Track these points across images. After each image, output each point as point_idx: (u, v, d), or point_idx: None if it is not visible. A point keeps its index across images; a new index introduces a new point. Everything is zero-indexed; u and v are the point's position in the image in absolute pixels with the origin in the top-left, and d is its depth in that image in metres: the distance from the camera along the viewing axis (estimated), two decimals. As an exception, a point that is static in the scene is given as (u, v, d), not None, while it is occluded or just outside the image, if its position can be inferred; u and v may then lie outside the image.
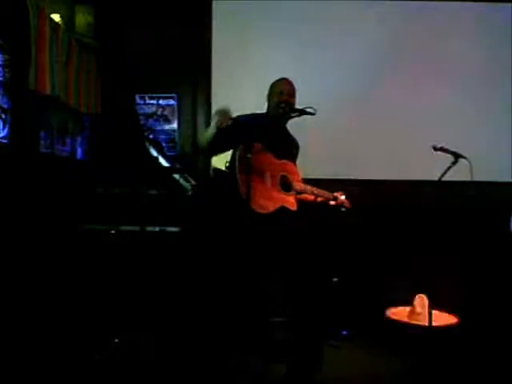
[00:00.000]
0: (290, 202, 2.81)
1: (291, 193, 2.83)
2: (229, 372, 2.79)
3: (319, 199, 3.05)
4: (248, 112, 2.96)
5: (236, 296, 2.78)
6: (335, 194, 3.11)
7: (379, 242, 4.07)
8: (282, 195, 2.78)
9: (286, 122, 2.98)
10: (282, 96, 2.90)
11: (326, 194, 3.07)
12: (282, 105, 2.88)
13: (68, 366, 2.82)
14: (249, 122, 2.83)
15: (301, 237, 2.80)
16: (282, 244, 2.72)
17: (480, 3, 4.40)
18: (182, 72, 4.52)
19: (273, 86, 3.00)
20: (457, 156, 2.92)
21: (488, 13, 4.38)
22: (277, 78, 3.03)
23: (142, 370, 2.88)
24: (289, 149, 3.02)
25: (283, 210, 2.75)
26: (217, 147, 2.81)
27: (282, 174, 2.84)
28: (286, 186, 2.83)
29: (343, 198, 3.13)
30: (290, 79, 3.01)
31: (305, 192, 2.95)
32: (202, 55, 4.50)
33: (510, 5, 4.40)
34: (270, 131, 2.88)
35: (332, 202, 3.07)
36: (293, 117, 2.87)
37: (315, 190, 3.00)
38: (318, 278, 2.76)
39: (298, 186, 2.89)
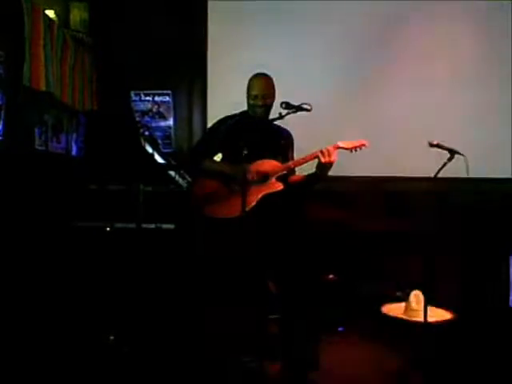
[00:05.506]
0: (272, 187, 2.87)
1: (270, 180, 2.89)
2: (224, 370, 2.79)
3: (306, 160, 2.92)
4: (242, 109, 3.00)
5: (231, 293, 2.79)
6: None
7: (375, 238, 4.06)
8: (261, 188, 2.86)
9: (273, 120, 2.84)
10: (257, 101, 2.89)
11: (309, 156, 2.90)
12: (260, 110, 2.89)
13: (63, 363, 2.81)
14: (230, 125, 2.93)
15: (292, 233, 2.86)
16: (272, 240, 2.78)
17: (480, 1, 4.41)
18: (178, 69, 4.51)
19: (248, 83, 2.97)
20: (453, 152, 2.91)
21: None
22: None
23: (136, 368, 2.87)
24: (275, 142, 3.00)
25: (266, 196, 2.84)
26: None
27: (257, 171, 2.88)
28: (264, 178, 2.89)
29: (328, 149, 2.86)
30: (266, 72, 2.97)
31: (294, 165, 2.96)
32: (197, 52, 4.50)
33: (509, 3, 4.41)
34: (250, 130, 2.89)
35: (323, 158, 2.83)
36: (289, 113, 2.84)
37: (301, 160, 2.94)
38: (308, 273, 2.79)
39: (277, 168, 2.90)
